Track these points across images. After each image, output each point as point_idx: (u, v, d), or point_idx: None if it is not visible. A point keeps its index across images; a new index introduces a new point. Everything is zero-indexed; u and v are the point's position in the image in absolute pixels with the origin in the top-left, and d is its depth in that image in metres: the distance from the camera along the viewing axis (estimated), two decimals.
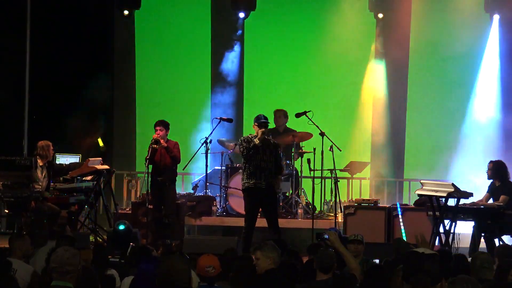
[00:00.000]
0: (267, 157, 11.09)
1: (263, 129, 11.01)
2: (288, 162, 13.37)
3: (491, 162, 11.81)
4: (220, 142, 14.05)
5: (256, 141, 10.99)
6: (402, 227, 12.20)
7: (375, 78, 15.60)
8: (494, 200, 11.59)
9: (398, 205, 12.43)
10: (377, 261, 8.62)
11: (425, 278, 5.86)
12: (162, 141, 12.12)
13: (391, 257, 7.92)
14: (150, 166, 12.25)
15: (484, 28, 15.22)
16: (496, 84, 15.28)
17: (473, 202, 11.59)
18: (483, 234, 11.37)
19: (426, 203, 11.91)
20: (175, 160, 12.30)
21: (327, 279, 6.95)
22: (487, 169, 11.74)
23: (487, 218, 11.32)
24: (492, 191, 11.69)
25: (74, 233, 10.93)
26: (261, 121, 11.07)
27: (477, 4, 15.16)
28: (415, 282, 5.94)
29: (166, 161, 12.27)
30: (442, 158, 14.96)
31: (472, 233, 11.51)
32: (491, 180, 11.73)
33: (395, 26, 15.16)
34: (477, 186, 12.88)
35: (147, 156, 12.12)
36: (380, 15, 15.25)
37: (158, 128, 12.24)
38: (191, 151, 13.60)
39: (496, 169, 11.65)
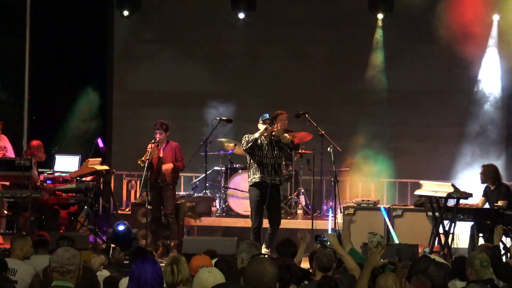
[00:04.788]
0: (271, 155, 11.34)
1: (267, 125, 11.26)
2: (288, 162, 13.38)
3: (482, 166, 11.87)
4: (220, 142, 14.06)
5: (256, 134, 11.24)
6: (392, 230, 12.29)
7: None
8: (490, 203, 11.61)
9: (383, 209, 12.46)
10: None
11: (425, 280, 5.85)
12: (165, 168, 12.05)
13: (393, 258, 7.96)
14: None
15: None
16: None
17: (469, 205, 11.60)
18: (481, 235, 11.40)
19: (425, 203, 11.93)
20: (180, 170, 12.31)
21: None
22: (480, 173, 11.79)
23: (486, 219, 11.34)
24: (487, 195, 11.73)
25: (74, 234, 10.92)
26: (265, 118, 11.35)
27: None
28: (416, 282, 5.94)
29: (165, 163, 12.23)
30: (443, 158, 14.97)
31: (471, 234, 11.53)
32: (485, 184, 11.77)
33: None
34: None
35: (147, 157, 12.08)
36: (380, 16, 15.20)
37: (157, 132, 12.15)
38: (191, 151, 13.59)
39: (487, 173, 11.69)
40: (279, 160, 11.48)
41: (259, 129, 11.34)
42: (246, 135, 11.37)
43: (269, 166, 11.30)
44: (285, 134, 11.65)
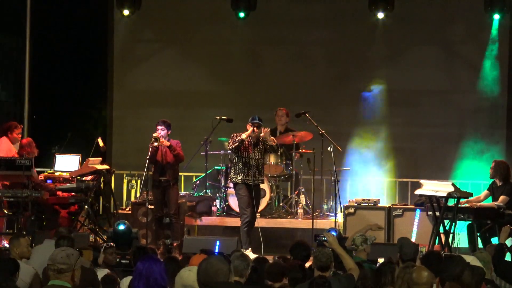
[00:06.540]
0: (256, 156, 11.87)
1: (254, 128, 11.73)
2: (288, 162, 13.39)
3: (494, 161, 11.95)
4: (220, 142, 14.04)
5: (243, 135, 11.66)
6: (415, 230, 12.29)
7: None
8: (493, 199, 11.63)
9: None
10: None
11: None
12: (162, 139, 12.12)
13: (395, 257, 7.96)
14: (151, 166, 12.26)
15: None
16: None
17: (470, 200, 11.61)
18: (478, 234, 11.41)
19: (426, 203, 11.93)
20: (178, 159, 12.31)
21: None
22: (490, 168, 11.86)
23: (487, 218, 11.34)
24: (493, 190, 11.75)
25: (74, 234, 10.91)
26: (254, 121, 11.83)
27: None
28: None
29: (168, 160, 12.26)
30: (443, 158, 14.97)
31: (468, 233, 11.56)
32: (492, 179, 11.80)
33: None
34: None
35: (148, 156, 12.10)
36: (381, 15, 15.14)
37: (159, 127, 12.23)
38: (191, 151, 13.59)
39: (497, 169, 11.73)
40: (262, 161, 12.02)
41: (247, 130, 11.79)
42: (234, 134, 11.85)
43: (253, 167, 11.81)
44: (272, 138, 11.92)
